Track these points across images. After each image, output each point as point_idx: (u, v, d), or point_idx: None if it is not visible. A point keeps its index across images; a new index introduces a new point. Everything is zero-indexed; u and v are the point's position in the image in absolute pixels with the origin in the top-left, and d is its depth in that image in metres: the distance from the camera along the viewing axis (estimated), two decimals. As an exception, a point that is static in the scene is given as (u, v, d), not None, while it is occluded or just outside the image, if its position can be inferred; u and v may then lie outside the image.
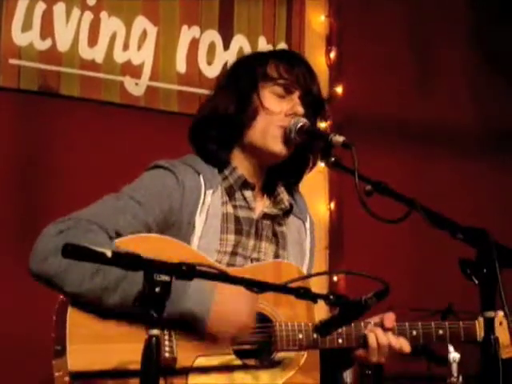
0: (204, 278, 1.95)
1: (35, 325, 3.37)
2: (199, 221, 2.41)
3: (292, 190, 2.65)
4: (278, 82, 2.51)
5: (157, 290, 1.83)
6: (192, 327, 2.26)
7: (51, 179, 4.13)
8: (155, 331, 1.82)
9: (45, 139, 4.15)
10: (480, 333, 2.53)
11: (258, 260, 2.51)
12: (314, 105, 2.56)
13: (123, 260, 1.86)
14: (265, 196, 2.60)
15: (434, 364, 3.88)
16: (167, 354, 2.23)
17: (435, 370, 3.97)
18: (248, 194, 2.53)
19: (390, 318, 2.48)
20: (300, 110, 2.50)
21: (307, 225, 2.66)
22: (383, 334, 2.44)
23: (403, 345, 2.47)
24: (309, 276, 2.54)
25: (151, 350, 1.82)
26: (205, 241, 2.41)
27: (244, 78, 2.54)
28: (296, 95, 2.52)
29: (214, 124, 2.52)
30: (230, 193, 2.51)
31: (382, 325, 2.47)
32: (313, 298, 2.07)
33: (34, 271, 2.26)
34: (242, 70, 2.58)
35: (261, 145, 2.50)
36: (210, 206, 2.44)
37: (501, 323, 2.49)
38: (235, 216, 2.49)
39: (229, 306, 2.29)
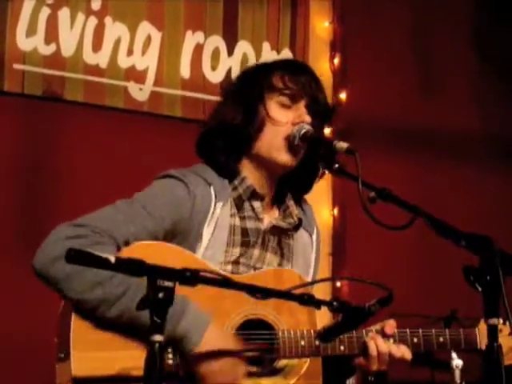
0: (207, 284, 1.95)
1: (36, 326, 3.38)
2: (207, 232, 2.41)
3: (301, 200, 2.65)
4: (284, 92, 2.51)
5: (160, 295, 1.83)
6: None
7: (55, 184, 4.13)
8: (158, 337, 1.82)
9: (49, 144, 4.16)
10: (480, 340, 2.53)
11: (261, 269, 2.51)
12: (321, 113, 2.55)
13: (126, 266, 1.86)
14: (274, 207, 2.60)
15: (438, 371, 3.87)
16: (170, 362, 2.23)
17: (438, 377, 3.96)
18: (257, 204, 2.52)
19: (390, 325, 2.48)
20: (307, 118, 2.49)
21: (314, 237, 2.66)
22: (383, 342, 2.44)
23: (404, 352, 2.46)
24: (312, 282, 2.54)
25: (154, 356, 1.82)
26: (210, 252, 2.41)
27: (250, 90, 2.53)
28: (302, 104, 2.51)
29: (221, 135, 2.51)
30: (238, 203, 2.50)
31: (383, 331, 2.46)
32: (316, 304, 2.07)
33: (38, 270, 2.27)
34: (247, 82, 2.58)
35: (267, 157, 2.49)
36: (218, 217, 2.44)
37: (501, 330, 2.48)
38: (242, 228, 2.49)
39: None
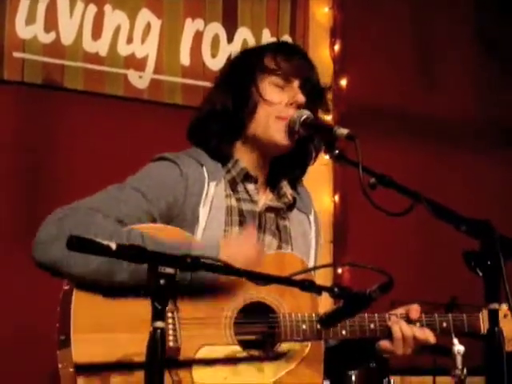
0: (208, 270, 1.95)
1: (39, 316, 3.39)
2: (203, 212, 2.41)
3: (296, 184, 2.65)
4: (277, 72, 2.51)
5: (161, 282, 1.84)
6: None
7: (55, 172, 4.13)
8: (159, 323, 1.83)
9: (49, 132, 4.16)
10: (484, 326, 2.53)
11: None
12: (314, 93, 2.55)
13: (128, 252, 1.86)
14: (268, 189, 2.60)
15: (439, 356, 3.88)
16: (171, 344, 2.23)
17: (440, 362, 3.97)
18: (250, 186, 2.53)
19: (415, 310, 2.49)
20: (301, 97, 2.49)
21: (311, 217, 2.66)
22: (407, 326, 2.44)
23: (428, 335, 2.47)
24: (313, 268, 2.54)
25: (156, 342, 1.82)
26: (209, 233, 2.41)
27: (241, 73, 2.54)
28: (296, 84, 2.51)
29: (213, 120, 2.52)
30: (233, 186, 2.51)
31: (407, 317, 2.47)
32: (317, 290, 2.08)
33: (37, 260, 2.27)
34: (239, 65, 2.58)
35: (264, 136, 2.49)
36: (213, 197, 2.44)
37: (505, 316, 2.49)
38: (239, 209, 2.50)
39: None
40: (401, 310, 2.50)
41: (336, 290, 2.08)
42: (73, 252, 2.16)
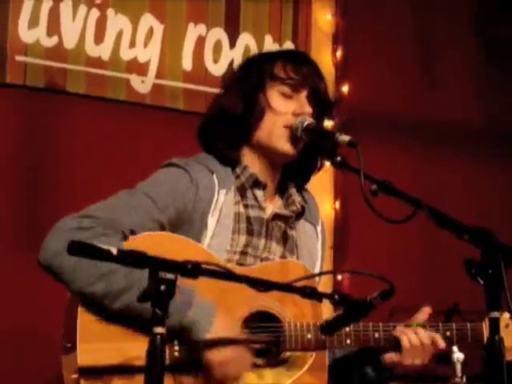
0: (209, 277, 1.95)
1: (39, 316, 3.39)
2: (212, 220, 2.42)
3: (302, 190, 2.65)
4: (286, 81, 2.51)
5: (162, 287, 1.84)
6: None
7: (56, 176, 4.13)
8: (160, 329, 1.83)
9: (50, 136, 4.15)
10: (487, 335, 2.52)
11: (267, 260, 2.51)
12: (322, 104, 2.56)
13: (129, 258, 1.86)
14: (277, 196, 2.60)
15: (438, 364, 3.88)
16: (176, 354, 2.24)
17: (439, 370, 3.96)
18: (259, 193, 2.53)
19: (425, 311, 2.50)
20: (308, 109, 2.50)
21: (318, 228, 2.67)
22: (413, 334, 2.44)
23: (435, 338, 2.47)
24: (314, 275, 2.54)
25: (155, 348, 1.82)
26: (216, 240, 2.41)
27: (251, 78, 2.54)
28: (303, 94, 2.52)
29: (221, 123, 2.52)
30: (241, 192, 2.51)
31: (424, 320, 2.49)
32: (318, 297, 2.08)
33: (42, 263, 2.28)
34: (249, 70, 2.59)
35: (268, 145, 2.50)
36: (223, 205, 2.44)
37: (507, 325, 2.48)
38: (247, 216, 2.49)
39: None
40: (417, 320, 2.50)
41: (336, 297, 2.08)
42: (78, 269, 2.20)
